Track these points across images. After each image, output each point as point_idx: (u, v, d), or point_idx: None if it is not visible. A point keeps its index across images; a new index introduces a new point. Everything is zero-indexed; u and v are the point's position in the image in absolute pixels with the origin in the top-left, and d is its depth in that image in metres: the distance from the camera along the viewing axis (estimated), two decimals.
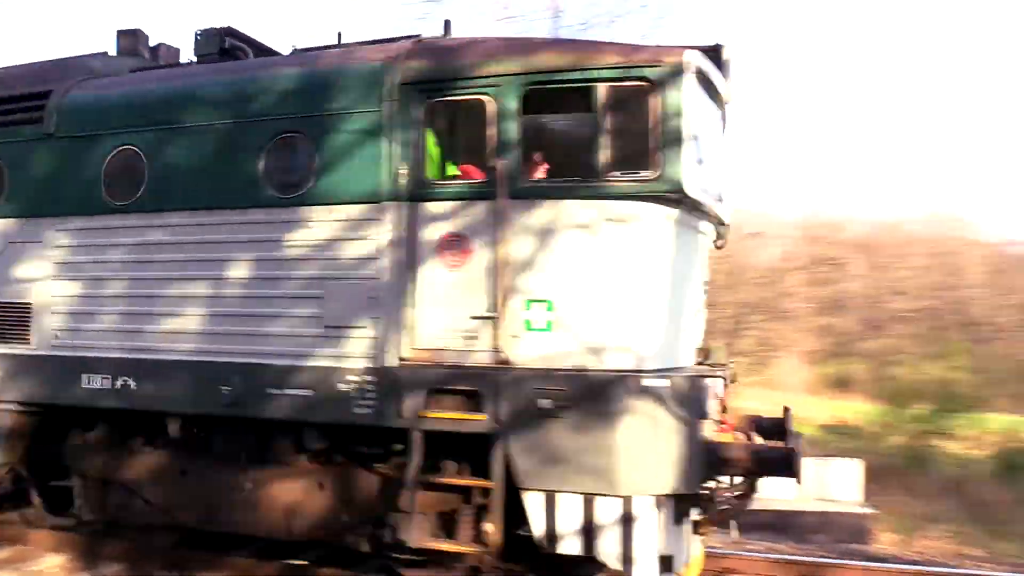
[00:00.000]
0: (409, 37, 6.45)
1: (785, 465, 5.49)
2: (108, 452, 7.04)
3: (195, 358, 6.42)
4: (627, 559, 5.39)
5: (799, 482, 5.54)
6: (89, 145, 6.92)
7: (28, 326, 7.06)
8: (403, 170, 5.82)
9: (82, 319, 6.85)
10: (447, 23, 6.78)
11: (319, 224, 6.09)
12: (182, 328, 6.49)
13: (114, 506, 7.09)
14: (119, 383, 6.65)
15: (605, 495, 5.38)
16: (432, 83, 5.88)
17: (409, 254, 5.81)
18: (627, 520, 5.38)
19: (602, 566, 5.56)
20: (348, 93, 6.09)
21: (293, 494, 6.35)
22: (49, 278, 7.00)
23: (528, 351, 5.54)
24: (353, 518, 6.21)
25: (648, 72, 5.43)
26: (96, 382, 6.72)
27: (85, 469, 7.12)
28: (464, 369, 5.67)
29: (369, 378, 5.86)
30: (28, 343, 7.05)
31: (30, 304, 7.07)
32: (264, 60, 7.13)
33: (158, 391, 6.53)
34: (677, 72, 5.39)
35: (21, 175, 7.24)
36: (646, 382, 5.35)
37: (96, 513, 7.21)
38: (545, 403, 5.41)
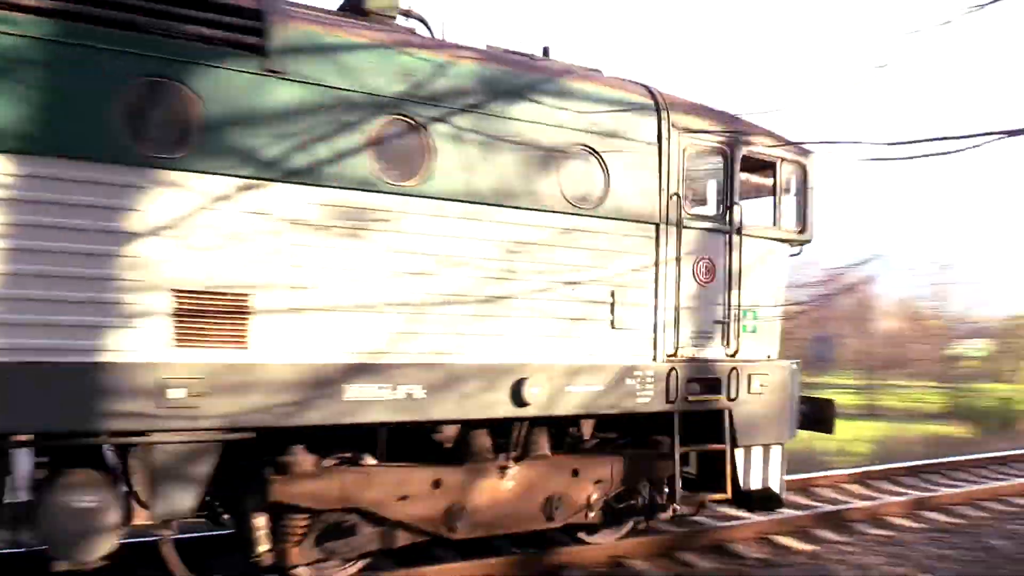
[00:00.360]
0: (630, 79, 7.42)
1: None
2: (329, 477, 5.93)
3: (507, 360, 6.26)
4: (780, 486, 8.01)
5: (831, 431, 8.29)
6: (343, 102, 5.63)
7: (246, 322, 5.32)
8: (679, 200, 7.12)
9: (347, 315, 5.64)
10: (546, 49, 7.58)
11: (610, 236, 6.77)
12: (481, 331, 6.16)
13: (329, 539, 6.05)
14: (402, 392, 5.80)
15: (778, 444, 7.89)
16: (694, 132, 7.24)
17: (677, 270, 7.14)
18: (781, 459, 8.01)
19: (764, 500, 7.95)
20: (633, 123, 6.91)
21: (552, 484, 6.83)
22: (286, 261, 5.43)
23: (744, 348, 7.53)
24: (604, 494, 7.13)
25: (803, 160, 7.97)
26: (368, 393, 5.68)
27: (303, 502, 5.78)
28: (713, 362, 7.36)
29: (649, 373, 6.94)
30: (245, 346, 5.32)
31: (246, 296, 5.32)
32: (550, 67, 6.82)
33: (451, 399, 5.99)
34: (813, 163, 8.12)
35: (225, 118, 5.25)
36: (793, 366, 8.07)
37: (298, 553, 5.89)
38: (757, 385, 7.61)
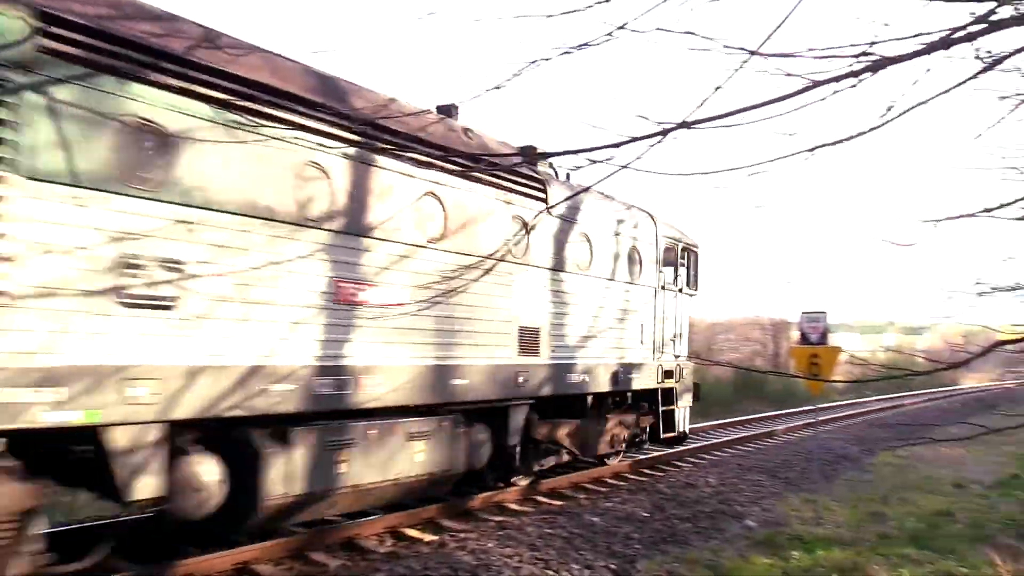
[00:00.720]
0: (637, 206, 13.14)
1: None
2: (548, 424, 10.82)
3: (611, 361, 11.81)
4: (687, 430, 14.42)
5: (699, 399, 15.07)
6: (568, 224, 10.77)
7: (539, 343, 10.13)
8: (663, 275, 13.37)
9: (566, 339, 10.71)
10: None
11: (641, 295, 12.62)
12: (606, 344, 11.71)
13: (543, 457, 11.14)
14: (583, 377, 10.98)
15: (689, 406, 14.31)
16: (669, 238, 13.54)
17: (661, 312, 13.31)
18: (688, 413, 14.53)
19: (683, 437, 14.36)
20: (648, 232, 12.87)
21: (614, 428, 12.26)
22: (550, 312, 10.34)
23: (681, 353, 13.93)
24: (627, 434, 12.74)
25: (694, 247, 14.46)
26: (574, 378, 10.78)
27: (534, 437, 10.53)
28: (670, 360, 13.46)
29: (652, 367, 12.96)
30: (539, 355, 10.10)
31: (539, 328, 10.13)
32: (620, 203, 12.47)
33: (595, 380, 11.31)
34: (698, 246, 14.79)
35: (536, 236, 10.05)
36: (692, 362, 14.78)
37: (531, 464, 10.86)
38: (685, 373, 13.93)
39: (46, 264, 5.17)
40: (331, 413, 7.18)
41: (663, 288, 13.21)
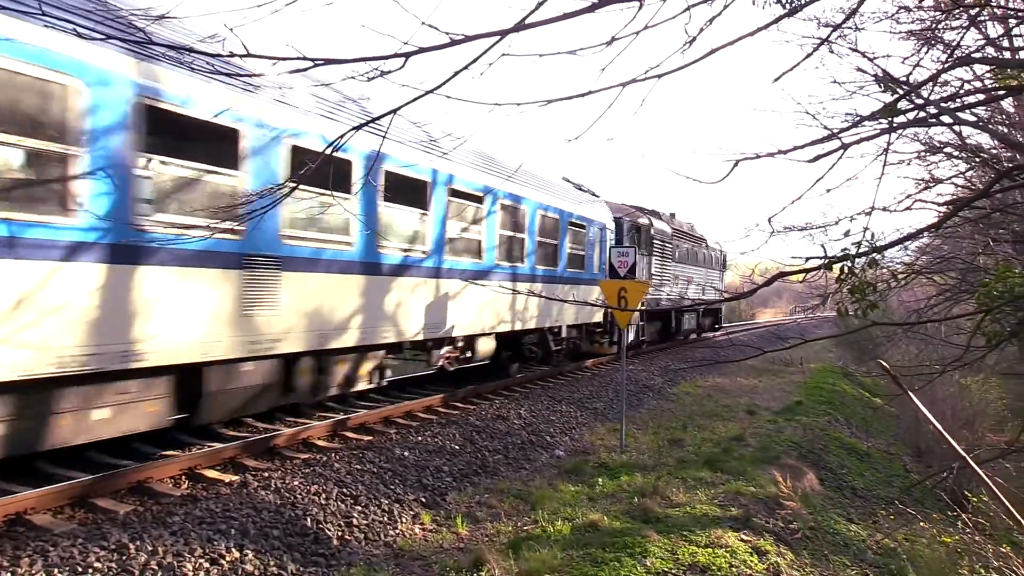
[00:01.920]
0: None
1: None
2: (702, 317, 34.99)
3: (711, 295, 33.90)
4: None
5: None
6: (707, 251, 34.14)
7: (704, 291, 33.03)
8: (720, 262, 37.69)
9: (705, 288, 32.99)
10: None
11: (717, 272, 36.50)
12: (711, 288, 34.43)
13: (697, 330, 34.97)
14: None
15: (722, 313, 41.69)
16: (722, 251, 38.12)
17: (722, 277, 38.87)
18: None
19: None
20: (718, 250, 36.53)
21: (706, 322, 36.07)
22: (699, 279, 32.39)
23: (720, 290, 38.12)
24: (710, 325, 37.22)
25: (726, 252, 38.21)
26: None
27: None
28: (716, 290, 36.34)
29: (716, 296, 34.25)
30: (704, 295, 32.67)
31: (704, 285, 33.72)
32: (713, 240, 35.91)
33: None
34: (727, 253, 38.91)
35: (703, 255, 33.12)
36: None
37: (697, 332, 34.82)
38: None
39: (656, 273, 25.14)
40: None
41: (720, 269, 33.61)
